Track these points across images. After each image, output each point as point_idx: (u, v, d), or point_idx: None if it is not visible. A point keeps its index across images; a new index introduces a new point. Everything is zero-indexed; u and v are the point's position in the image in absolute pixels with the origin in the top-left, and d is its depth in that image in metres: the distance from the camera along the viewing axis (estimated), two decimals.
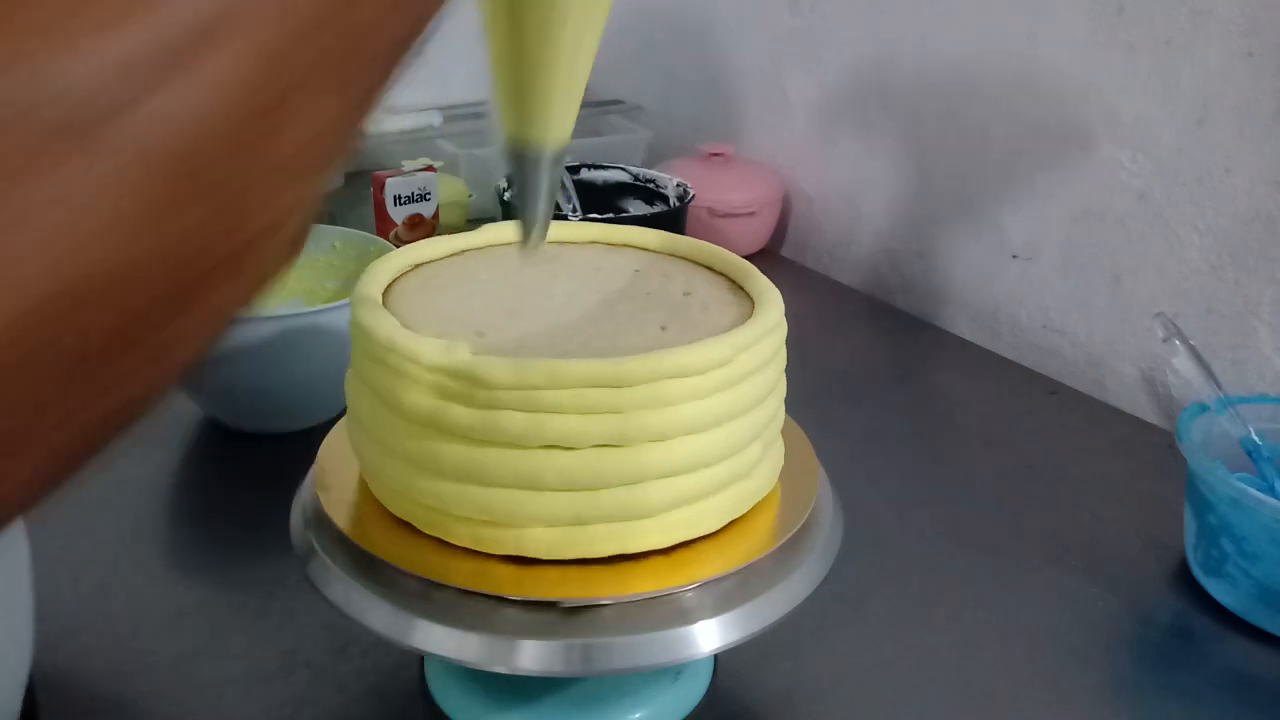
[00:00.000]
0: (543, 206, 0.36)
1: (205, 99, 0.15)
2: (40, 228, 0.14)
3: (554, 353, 0.41)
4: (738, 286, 0.49)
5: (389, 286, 0.47)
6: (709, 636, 0.39)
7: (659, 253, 0.53)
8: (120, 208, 0.14)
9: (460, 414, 0.39)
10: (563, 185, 1.01)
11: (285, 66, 0.15)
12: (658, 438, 0.39)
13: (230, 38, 0.15)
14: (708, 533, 0.43)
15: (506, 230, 0.53)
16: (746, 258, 0.50)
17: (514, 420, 0.38)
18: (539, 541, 0.40)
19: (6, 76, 0.14)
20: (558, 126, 0.33)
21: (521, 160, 0.34)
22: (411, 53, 0.19)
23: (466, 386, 0.38)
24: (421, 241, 0.51)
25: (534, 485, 0.39)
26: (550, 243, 0.48)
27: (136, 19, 0.14)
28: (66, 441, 0.16)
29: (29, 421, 0.15)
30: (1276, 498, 0.58)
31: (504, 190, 1.00)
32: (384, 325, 0.41)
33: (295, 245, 0.18)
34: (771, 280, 0.48)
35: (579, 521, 0.40)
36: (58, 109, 0.14)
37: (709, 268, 0.51)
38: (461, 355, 0.38)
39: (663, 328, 0.44)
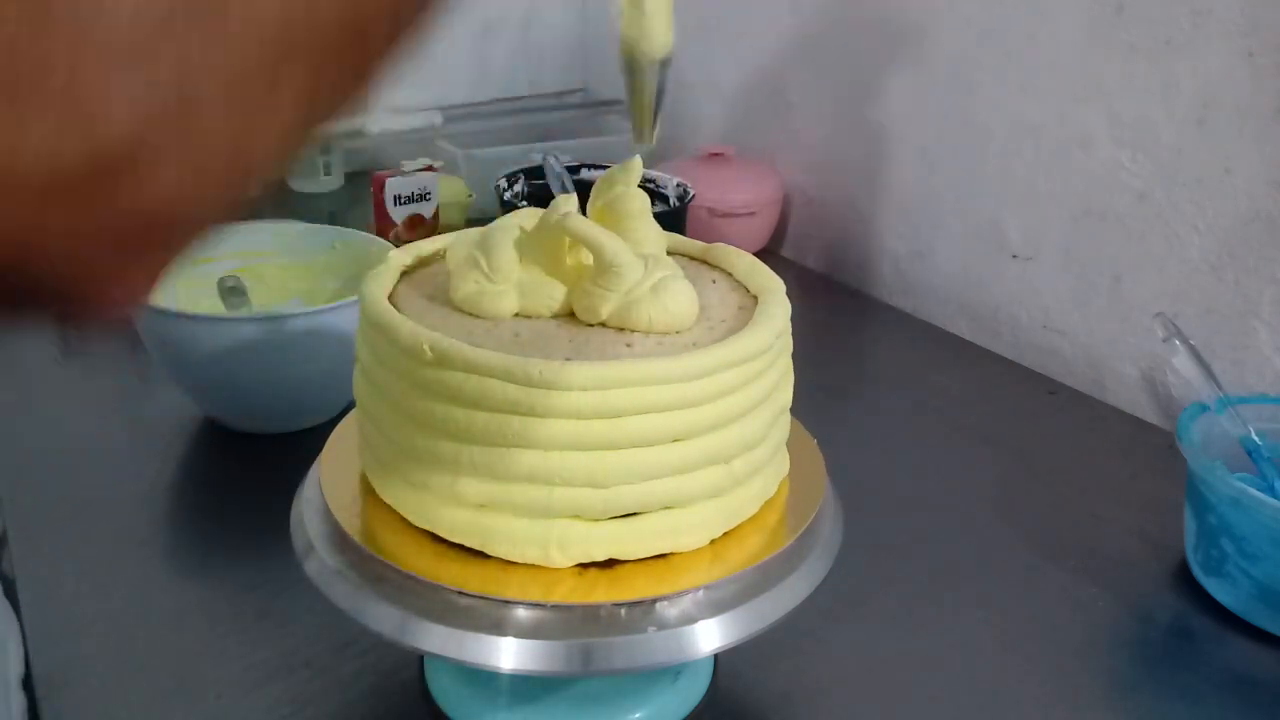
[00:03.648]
0: (654, 105, 0.48)
1: None
2: None
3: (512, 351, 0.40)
4: (754, 300, 0.47)
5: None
6: (709, 636, 0.39)
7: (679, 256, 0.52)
8: None
9: (391, 377, 0.42)
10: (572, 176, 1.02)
11: None
12: (557, 447, 0.39)
13: None
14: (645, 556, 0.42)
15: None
16: None
17: (427, 402, 0.40)
18: (454, 525, 0.41)
19: None
20: (661, 39, 0.46)
21: (635, 65, 0.46)
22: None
23: (405, 356, 0.41)
24: (423, 240, 0.51)
25: (451, 469, 0.40)
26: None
27: None
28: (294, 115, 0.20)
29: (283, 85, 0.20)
30: (1276, 498, 0.58)
31: (504, 190, 1.00)
32: (372, 291, 0.44)
33: None
34: None
35: (482, 511, 0.40)
36: None
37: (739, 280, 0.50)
38: (407, 326, 0.41)
39: (628, 345, 0.42)
